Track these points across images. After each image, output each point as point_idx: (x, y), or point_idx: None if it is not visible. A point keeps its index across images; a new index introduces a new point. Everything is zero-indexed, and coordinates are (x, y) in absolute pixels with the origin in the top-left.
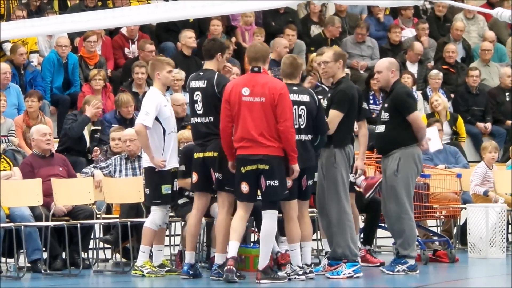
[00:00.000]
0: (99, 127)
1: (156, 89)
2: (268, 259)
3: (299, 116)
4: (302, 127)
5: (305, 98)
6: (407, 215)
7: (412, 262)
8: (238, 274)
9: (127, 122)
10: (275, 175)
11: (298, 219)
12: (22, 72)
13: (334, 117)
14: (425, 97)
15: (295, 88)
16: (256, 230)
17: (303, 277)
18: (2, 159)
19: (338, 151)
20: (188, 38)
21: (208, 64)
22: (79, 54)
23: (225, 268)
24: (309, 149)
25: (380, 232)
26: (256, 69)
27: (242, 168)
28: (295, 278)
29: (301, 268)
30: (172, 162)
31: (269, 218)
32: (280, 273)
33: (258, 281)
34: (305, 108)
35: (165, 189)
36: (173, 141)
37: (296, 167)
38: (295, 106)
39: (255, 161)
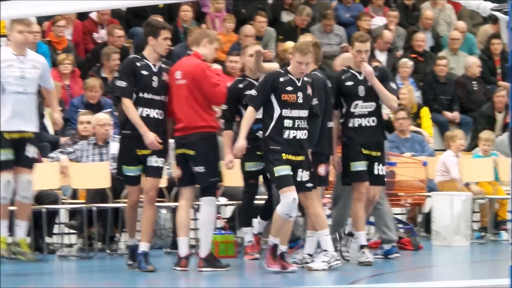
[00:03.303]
0: (61, 108)
1: (6, 48)
2: (209, 247)
3: None
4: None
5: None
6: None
7: (387, 246)
8: None
9: (94, 107)
10: (201, 161)
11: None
12: None
13: None
14: None
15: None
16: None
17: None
18: None
19: None
20: None
21: (145, 49)
22: (47, 39)
23: (178, 269)
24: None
25: None
26: (189, 52)
27: (174, 152)
28: (336, 264)
29: (310, 256)
30: (11, 124)
31: (206, 205)
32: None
33: (199, 269)
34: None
35: None
36: (16, 102)
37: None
38: None
39: (184, 144)
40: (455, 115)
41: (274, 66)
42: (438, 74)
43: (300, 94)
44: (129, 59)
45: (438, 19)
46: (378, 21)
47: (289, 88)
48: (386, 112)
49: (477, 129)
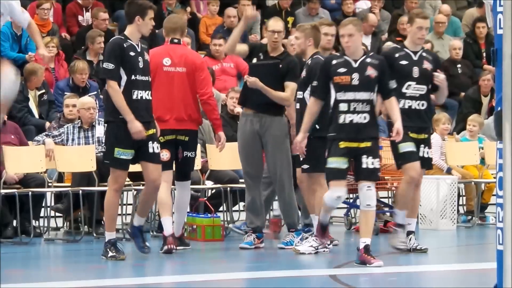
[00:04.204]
0: (44, 90)
1: None
2: (181, 228)
3: None
4: None
5: None
6: None
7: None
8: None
9: (80, 90)
10: (192, 147)
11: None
12: None
13: None
14: None
15: None
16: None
17: (331, 247)
18: None
19: None
20: None
21: (127, 29)
22: None
23: (165, 248)
24: None
25: None
26: (176, 40)
27: (161, 138)
28: (324, 251)
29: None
30: None
31: (186, 188)
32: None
33: (174, 248)
34: None
35: None
36: None
37: (223, 135)
38: None
39: (177, 131)
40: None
41: (244, 48)
42: None
43: (355, 75)
44: (116, 40)
45: (423, 3)
46: (363, 4)
47: (342, 70)
48: None
49: (463, 112)
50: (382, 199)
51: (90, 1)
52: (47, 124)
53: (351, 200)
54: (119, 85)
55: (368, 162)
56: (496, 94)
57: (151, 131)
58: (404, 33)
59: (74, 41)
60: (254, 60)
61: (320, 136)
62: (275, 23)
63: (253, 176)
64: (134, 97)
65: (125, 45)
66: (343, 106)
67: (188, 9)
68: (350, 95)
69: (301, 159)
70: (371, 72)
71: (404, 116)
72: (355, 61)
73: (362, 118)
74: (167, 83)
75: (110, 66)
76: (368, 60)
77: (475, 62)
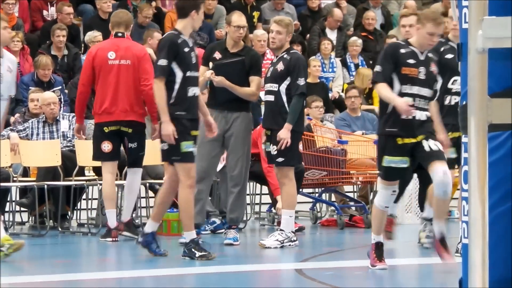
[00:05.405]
0: None
1: None
2: (131, 212)
3: None
4: None
5: None
6: None
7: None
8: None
9: (44, 85)
10: (136, 138)
11: None
12: None
13: None
14: (344, 64)
15: None
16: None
17: (297, 242)
18: None
19: None
20: (103, 3)
21: (180, 24)
22: None
23: (108, 239)
24: None
25: (299, 198)
26: (120, 34)
27: (105, 128)
28: (289, 245)
29: (294, 234)
30: None
31: (134, 174)
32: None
33: (120, 232)
34: None
35: None
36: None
37: (157, 127)
38: None
39: (120, 122)
40: None
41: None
42: None
43: (422, 69)
44: (171, 36)
45: None
46: None
47: (411, 61)
48: (337, 90)
49: None
50: (347, 193)
51: None
52: (12, 118)
53: (317, 195)
54: (174, 82)
55: (430, 144)
56: (461, 88)
57: (196, 133)
58: (369, 28)
59: (39, 35)
60: (217, 55)
61: (296, 131)
62: (239, 19)
63: (203, 176)
64: (190, 94)
65: (179, 41)
66: (407, 100)
67: (154, 3)
68: (415, 89)
69: (275, 152)
70: (434, 68)
71: (451, 113)
72: (422, 53)
73: (423, 116)
74: (112, 76)
75: (165, 62)
76: (430, 55)
77: None
